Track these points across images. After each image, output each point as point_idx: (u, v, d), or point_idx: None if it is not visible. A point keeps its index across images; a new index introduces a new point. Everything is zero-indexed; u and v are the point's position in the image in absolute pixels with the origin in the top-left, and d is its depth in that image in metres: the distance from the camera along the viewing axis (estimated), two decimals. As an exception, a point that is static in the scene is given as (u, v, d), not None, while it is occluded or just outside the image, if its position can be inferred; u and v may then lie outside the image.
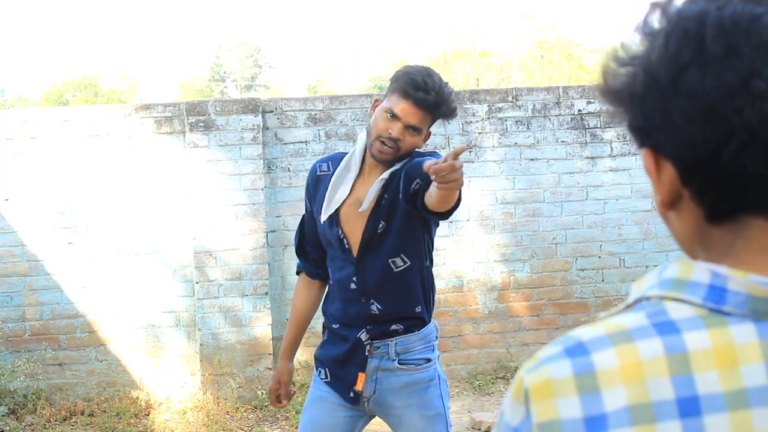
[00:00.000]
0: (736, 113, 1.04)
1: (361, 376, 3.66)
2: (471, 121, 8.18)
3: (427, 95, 3.44)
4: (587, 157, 8.32)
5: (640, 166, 8.34)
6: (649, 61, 1.10)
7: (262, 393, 7.75)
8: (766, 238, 1.10)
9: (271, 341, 7.88)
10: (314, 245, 3.83)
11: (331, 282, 3.78)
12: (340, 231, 3.63)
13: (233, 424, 7.32)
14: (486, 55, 47.37)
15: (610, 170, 8.34)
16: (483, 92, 8.27)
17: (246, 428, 7.28)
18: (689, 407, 1.03)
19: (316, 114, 8.05)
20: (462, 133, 8.15)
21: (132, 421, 7.43)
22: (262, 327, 7.84)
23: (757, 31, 1.04)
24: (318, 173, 3.74)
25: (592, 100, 8.30)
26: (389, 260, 3.63)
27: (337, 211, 3.62)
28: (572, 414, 1.05)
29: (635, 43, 1.14)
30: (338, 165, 3.66)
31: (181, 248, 7.87)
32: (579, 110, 8.29)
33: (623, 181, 8.35)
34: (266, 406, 7.63)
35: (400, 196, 3.47)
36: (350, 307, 3.67)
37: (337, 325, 3.73)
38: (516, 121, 8.23)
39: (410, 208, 3.48)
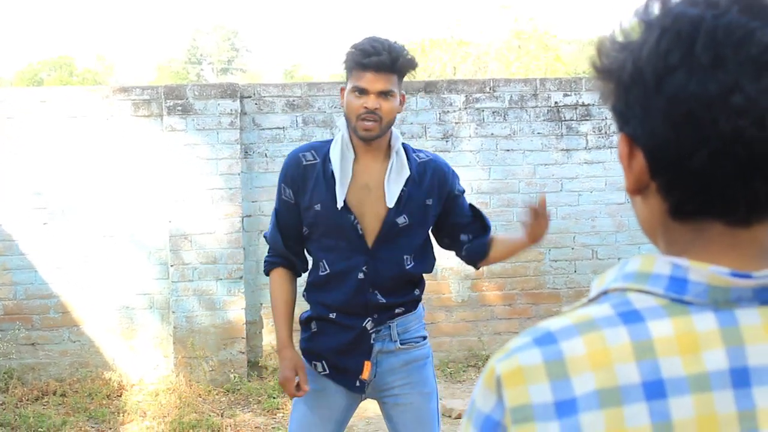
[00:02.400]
0: (712, 123, 1.07)
1: (367, 365, 3.67)
2: (448, 111, 8.22)
3: (380, 57, 3.47)
4: (562, 149, 8.38)
5: (614, 160, 8.40)
6: (640, 53, 1.13)
7: (234, 376, 7.79)
8: (724, 240, 1.14)
9: (245, 325, 7.92)
10: (296, 239, 3.76)
11: (323, 273, 3.69)
12: (352, 216, 3.60)
13: (205, 407, 7.34)
14: (463, 44, 47.37)
15: (585, 162, 8.41)
16: (461, 82, 8.32)
17: (218, 411, 7.30)
18: (655, 390, 1.08)
19: (294, 100, 8.07)
20: (439, 122, 8.19)
21: (104, 402, 7.44)
22: (236, 311, 7.86)
23: (747, 46, 1.07)
24: (304, 163, 3.66)
25: (568, 93, 8.35)
26: (404, 256, 3.68)
27: (346, 197, 3.60)
28: (543, 398, 1.09)
29: (633, 27, 1.16)
30: (323, 154, 3.64)
31: (157, 231, 7.88)
32: (555, 102, 8.34)
33: (598, 173, 8.42)
34: (238, 390, 7.67)
35: (445, 231, 3.82)
36: (354, 297, 3.64)
37: (335, 315, 3.68)
38: (493, 112, 8.28)
39: (444, 241, 3.86)
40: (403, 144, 3.70)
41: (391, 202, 3.60)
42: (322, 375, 3.74)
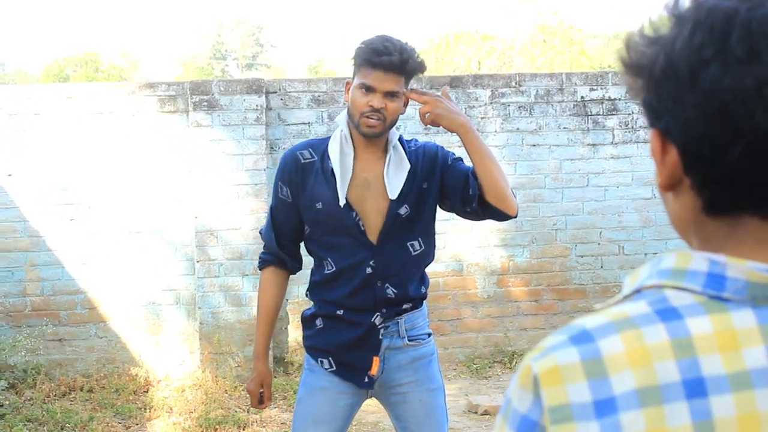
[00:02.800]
0: (747, 117, 1.06)
1: (376, 360, 3.66)
2: (474, 106, 8.19)
3: (392, 57, 3.46)
4: (589, 144, 8.34)
5: (641, 154, 8.37)
6: (673, 47, 1.11)
7: (260, 372, 7.78)
8: (760, 236, 1.12)
9: (271, 321, 7.90)
10: (290, 238, 3.74)
11: (330, 271, 3.67)
12: (354, 213, 3.59)
13: (231, 403, 7.35)
14: (488, 38, 47.28)
15: (612, 157, 8.36)
16: (486, 77, 8.29)
17: (244, 407, 7.30)
18: (695, 388, 1.06)
19: (319, 95, 8.06)
20: (465, 117, 8.15)
21: (131, 398, 7.46)
22: (261, 307, 7.85)
23: None
24: (302, 161, 3.64)
25: (595, 87, 8.31)
26: (408, 243, 3.67)
27: (347, 194, 3.60)
28: (582, 398, 1.08)
29: (662, 21, 1.15)
30: (321, 152, 3.64)
31: (183, 227, 7.89)
32: (582, 97, 8.30)
33: (624, 168, 8.37)
34: (264, 386, 7.66)
35: (456, 197, 3.64)
36: (362, 292, 3.63)
37: (342, 311, 3.67)
38: (519, 107, 8.24)
39: (464, 209, 3.66)
40: (400, 137, 3.72)
41: (393, 194, 3.59)
42: (328, 372, 3.72)
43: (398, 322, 3.69)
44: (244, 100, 7.80)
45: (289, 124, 8.03)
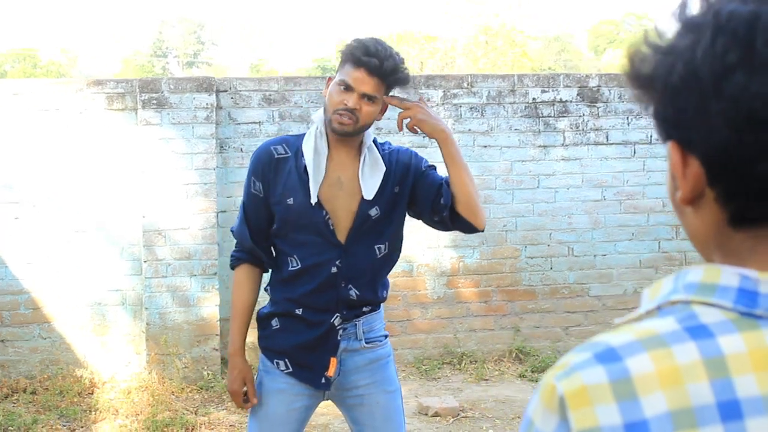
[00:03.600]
0: None
1: (333, 361, 3.61)
2: (425, 107, 8.15)
3: (379, 61, 3.42)
4: (540, 146, 8.35)
5: (591, 156, 8.39)
6: (692, 56, 1.07)
7: (208, 374, 7.70)
8: None
9: (219, 322, 7.82)
10: (264, 234, 3.68)
11: (294, 268, 3.62)
12: (324, 212, 3.55)
13: (178, 405, 7.25)
14: (431, 39, 47.44)
15: (562, 159, 8.38)
16: (438, 77, 8.26)
17: (192, 409, 7.21)
18: (730, 411, 1.02)
19: (270, 95, 7.98)
20: (416, 118, 8.12)
21: (75, 400, 7.33)
22: (209, 307, 7.77)
23: None
24: (276, 156, 3.60)
25: (546, 89, 8.31)
26: (375, 246, 3.64)
27: (319, 193, 3.55)
28: (612, 420, 1.03)
29: (670, 30, 1.12)
30: (295, 148, 3.60)
31: (130, 226, 7.77)
32: (533, 99, 8.31)
33: (575, 170, 8.39)
34: (211, 387, 7.58)
35: (426, 204, 3.64)
36: (325, 292, 3.58)
37: (302, 310, 3.62)
38: (470, 108, 8.23)
39: (433, 217, 3.67)
40: (374, 140, 3.67)
41: (369, 195, 3.55)
42: (285, 373, 3.66)
43: (356, 324, 3.66)
44: (194, 98, 7.70)
45: (239, 123, 7.94)
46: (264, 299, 3.80)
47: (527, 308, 8.41)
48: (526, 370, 8.01)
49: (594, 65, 74.61)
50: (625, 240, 8.49)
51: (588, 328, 8.50)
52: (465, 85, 8.22)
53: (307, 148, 3.55)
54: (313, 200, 3.52)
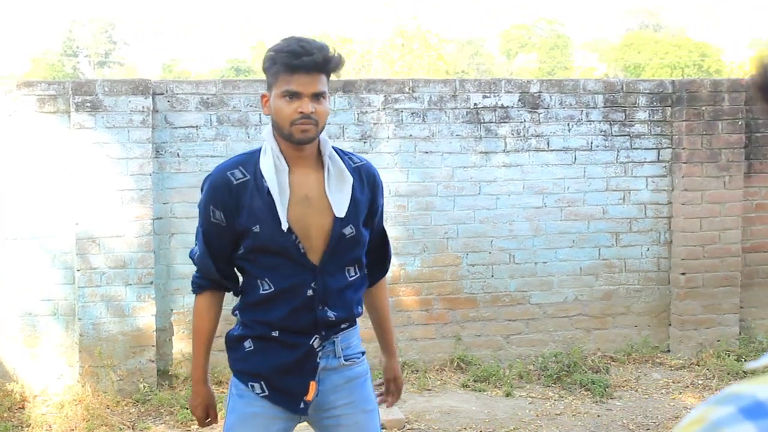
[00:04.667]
0: None
1: (313, 385, 3.44)
2: (366, 111, 8.02)
3: (313, 56, 3.24)
4: (481, 152, 8.26)
5: (533, 163, 8.33)
6: None
7: (144, 386, 7.46)
8: None
9: (155, 332, 7.59)
10: (226, 261, 3.51)
11: (267, 291, 3.44)
12: (294, 236, 3.36)
13: (114, 419, 7.01)
14: (346, 41, 47.34)
15: (504, 166, 8.30)
16: (379, 82, 8.12)
17: (129, 423, 6.98)
18: None
19: (208, 98, 7.77)
20: (357, 123, 7.99)
21: (5, 415, 7.04)
22: (145, 317, 7.53)
23: None
24: (235, 182, 3.38)
25: (488, 95, 8.23)
26: (346, 267, 3.49)
27: (288, 216, 3.36)
28: None
29: None
30: (252, 170, 3.39)
31: (63, 234, 7.50)
32: (475, 104, 8.21)
33: (516, 177, 8.32)
34: (148, 400, 7.35)
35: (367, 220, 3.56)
36: (302, 314, 3.41)
37: (278, 333, 3.44)
38: (412, 113, 8.11)
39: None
40: (333, 147, 3.49)
41: (341, 212, 3.38)
42: (260, 396, 3.49)
43: (334, 342, 3.50)
44: (130, 101, 7.46)
45: (176, 127, 7.71)
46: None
47: (468, 316, 8.31)
48: (469, 380, 7.91)
49: (506, 68, 75.27)
50: (565, 247, 8.44)
51: (529, 336, 8.44)
52: (406, 89, 8.10)
53: (267, 169, 3.35)
54: (284, 225, 3.33)
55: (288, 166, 3.38)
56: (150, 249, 7.53)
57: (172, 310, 7.81)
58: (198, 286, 3.58)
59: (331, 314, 3.44)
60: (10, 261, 7.45)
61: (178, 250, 7.76)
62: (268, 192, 3.34)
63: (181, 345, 7.82)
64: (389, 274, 7.70)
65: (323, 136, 3.42)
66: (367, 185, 3.51)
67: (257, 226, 3.36)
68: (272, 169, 3.34)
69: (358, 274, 3.54)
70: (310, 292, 3.41)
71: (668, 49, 68.54)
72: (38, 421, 6.97)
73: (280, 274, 3.40)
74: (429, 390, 7.73)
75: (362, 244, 3.51)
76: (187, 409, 7.08)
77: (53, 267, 7.53)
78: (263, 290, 3.44)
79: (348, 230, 3.42)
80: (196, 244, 3.55)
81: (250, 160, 3.43)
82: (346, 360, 3.53)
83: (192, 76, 56.85)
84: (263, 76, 3.46)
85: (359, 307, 3.59)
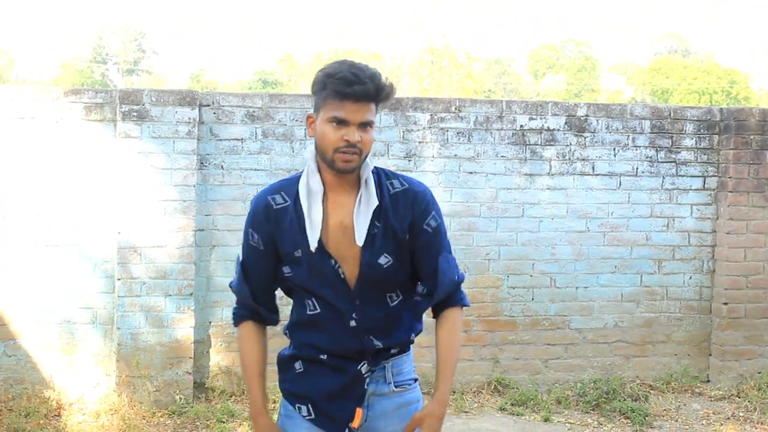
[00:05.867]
0: None
1: (359, 412, 3.35)
2: (412, 130, 7.98)
3: (364, 86, 3.14)
4: (526, 174, 8.20)
5: (577, 186, 8.26)
6: None
7: (180, 398, 7.42)
8: None
9: (193, 344, 7.55)
10: (264, 288, 3.45)
11: (313, 312, 3.36)
12: (333, 261, 3.28)
13: (150, 430, 6.96)
14: (376, 57, 47.42)
15: (548, 188, 8.23)
16: (426, 101, 8.07)
17: (164, 435, 6.93)
18: None
19: (254, 111, 7.74)
20: (402, 141, 7.95)
21: (42, 422, 7.00)
22: (184, 329, 7.49)
23: None
24: (275, 207, 3.33)
25: (534, 117, 8.17)
26: (387, 294, 3.38)
27: (322, 240, 3.28)
28: None
29: None
30: (293, 195, 3.32)
31: (104, 242, 7.48)
32: (521, 126, 8.16)
33: (560, 200, 8.25)
34: (184, 412, 7.30)
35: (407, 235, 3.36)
36: (349, 341, 3.34)
37: (326, 356, 3.37)
38: (457, 133, 8.05)
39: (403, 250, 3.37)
40: (377, 169, 3.38)
41: (360, 240, 3.27)
42: (306, 419, 3.42)
43: (385, 367, 3.40)
44: (176, 112, 7.43)
45: (221, 140, 7.69)
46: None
47: (507, 339, 8.24)
48: (506, 403, 7.83)
49: (533, 89, 75.21)
50: (607, 273, 8.36)
51: (567, 361, 8.35)
52: (453, 109, 8.05)
53: (303, 193, 3.29)
54: (313, 246, 3.25)
55: (325, 188, 3.31)
56: (191, 260, 7.50)
57: (210, 322, 7.76)
58: (238, 317, 3.50)
59: (377, 343, 3.35)
60: (51, 267, 7.42)
61: (219, 262, 7.72)
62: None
63: (218, 358, 7.77)
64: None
65: (367, 160, 3.33)
66: (406, 209, 3.36)
67: (298, 251, 3.29)
68: (305, 192, 3.28)
69: (401, 297, 3.41)
70: (353, 323, 3.32)
71: (697, 74, 68.34)
72: (74, 429, 6.93)
73: (323, 300, 3.33)
74: (466, 412, 7.65)
75: (404, 271, 3.38)
76: (224, 422, 7.06)
77: (94, 275, 7.51)
78: (310, 310, 3.37)
79: (383, 260, 3.31)
80: (235, 273, 3.50)
81: (292, 185, 3.35)
82: (396, 386, 3.43)
83: (220, 87, 57.05)
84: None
85: (410, 333, 3.46)
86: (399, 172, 3.44)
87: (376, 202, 3.28)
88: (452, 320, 3.43)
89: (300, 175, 3.36)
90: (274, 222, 3.33)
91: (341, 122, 3.17)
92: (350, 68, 3.19)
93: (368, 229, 3.28)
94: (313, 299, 3.35)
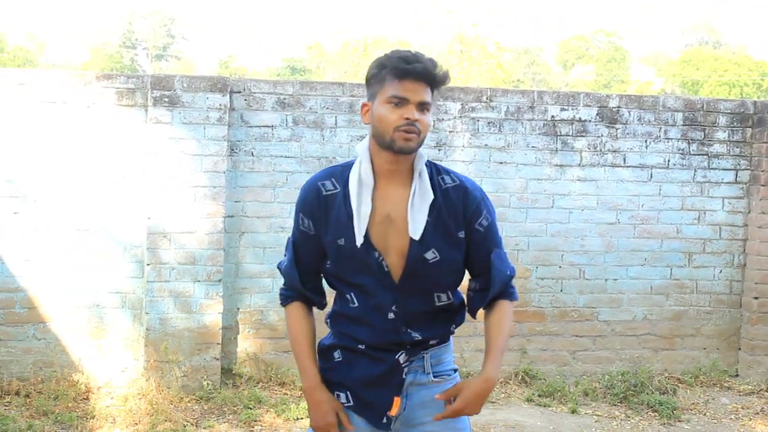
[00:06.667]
0: None
1: (397, 401, 3.36)
2: (443, 119, 7.96)
3: (424, 64, 3.15)
4: (556, 165, 8.16)
5: (608, 178, 8.22)
6: None
7: (207, 384, 7.44)
8: None
9: (221, 330, 7.57)
10: (313, 272, 3.45)
11: (353, 306, 3.37)
12: (377, 254, 3.28)
13: (178, 415, 6.97)
14: (404, 45, 47.34)
15: (578, 180, 8.20)
16: (457, 90, 8.04)
17: (192, 420, 6.94)
18: None
19: (285, 98, 7.74)
20: (433, 130, 7.92)
21: (70, 405, 7.04)
22: (212, 315, 7.51)
23: None
24: (324, 193, 3.32)
25: (566, 107, 8.13)
26: (435, 294, 3.37)
27: (368, 231, 3.27)
28: None
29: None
30: (342, 182, 3.31)
31: (134, 227, 7.50)
32: (552, 116, 8.12)
33: (590, 191, 8.21)
34: (211, 398, 7.32)
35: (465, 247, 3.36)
36: (386, 334, 3.34)
37: (364, 347, 3.38)
38: (488, 123, 8.03)
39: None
40: (429, 163, 3.36)
41: (416, 234, 3.25)
42: (346, 407, 3.42)
43: (423, 357, 3.40)
44: (207, 98, 7.44)
45: (251, 126, 7.69)
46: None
47: (535, 330, 8.22)
48: (533, 394, 7.81)
49: (562, 79, 74.89)
50: (637, 265, 8.32)
51: (595, 353, 8.33)
52: (484, 98, 8.02)
53: (353, 184, 3.28)
54: (359, 241, 3.25)
55: (375, 180, 3.29)
56: (220, 246, 7.51)
57: (238, 308, 7.78)
58: (285, 297, 3.51)
59: (416, 335, 3.35)
60: (81, 252, 7.45)
61: (248, 248, 7.74)
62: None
63: (246, 344, 7.79)
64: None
65: (421, 150, 3.32)
66: (457, 206, 3.34)
67: (342, 239, 3.28)
68: (356, 182, 3.27)
69: (451, 301, 3.41)
70: (392, 316, 3.32)
71: (727, 66, 67.85)
72: (103, 413, 6.96)
73: (363, 293, 3.33)
74: (493, 402, 7.63)
75: (452, 270, 3.36)
76: (251, 408, 7.08)
77: (123, 260, 7.53)
78: (351, 304, 3.37)
79: (430, 255, 3.28)
80: (285, 255, 3.50)
81: (342, 172, 3.35)
82: (435, 377, 3.43)
83: (248, 74, 57.11)
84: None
85: (451, 325, 3.47)
86: (449, 167, 3.43)
87: (432, 196, 3.28)
88: (503, 310, 3.45)
89: (352, 163, 3.36)
90: (324, 208, 3.32)
91: (401, 100, 3.16)
92: (407, 51, 3.20)
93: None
94: (353, 292, 3.36)
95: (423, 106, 3.19)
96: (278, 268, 3.53)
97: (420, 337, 3.36)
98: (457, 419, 3.46)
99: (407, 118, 3.16)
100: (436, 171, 3.37)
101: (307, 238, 3.38)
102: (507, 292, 3.46)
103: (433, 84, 3.22)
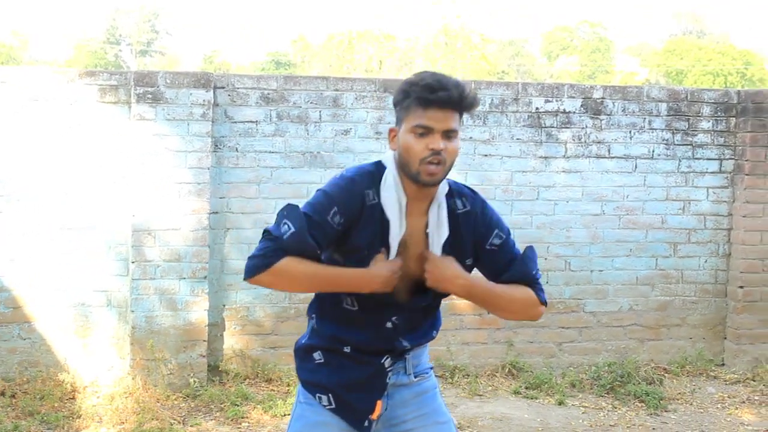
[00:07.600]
0: None
1: (379, 404, 3.39)
2: (427, 112, 7.94)
3: (448, 92, 3.10)
4: (541, 157, 8.16)
5: (593, 169, 8.23)
6: None
7: (194, 381, 7.42)
8: None
9: (207, 327, 7.55)
10: (313, 253, 3.20)
11: (352, 308, 3.36)
12: None
13: (165, 413, 6.95)
14: (390, 38, 47.32)
15: (563, 171, 8.20)
16: (441, 83, 8.02)
17: (179, 418, 6.92)
18: None
19: (269, 93, 7.72)
20: (417, 123, 7.90)
21: (57, 405, 7.01)
22: (198, 312, 7.49)
23: None
24: (368, 203, 3.25)
25: (550, 99, 8.13)
26: (432, 306, 3.46)
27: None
28: None
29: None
30: (378, 194, 3.25)
31: (119, 225, 7.47)
32: (536, 108, 8.12)
33: (575, 183, 8.22)
34: (198, 395, 7.30)
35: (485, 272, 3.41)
36: (379, 341, 3.37)
37: (350, 349, 3.38)
38: (472, 115, 8.01)
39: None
40: (449, 185, 3.34)
41: (438, 254, 3.32)
42: (326, 408, 3.42)
43: (405, 359, 3.45)
44: (191, 94, 7.41)
45: (235, 122, 7.67)
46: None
47: (521, 322, 8.21)
48: (520, 387, 7.82)
49: (546, 70, 74.94)
50: (622, 256, 8.33)
51: (582, 344, 8.34)
52: (468, 91, 8.00)
53: (389, 200, 3.25)
54: (392, 258, 3.28)
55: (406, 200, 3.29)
56: (205, 243, 7.49)
57: (224, 305, 7.76)
58: (270, 257, 3.17)
59: (406, 343, 3.40)
60: (66, 251, 7.42)
61: (233, 245, 7.72)
62: (388, 223, 3.25)
63: (232, 341, 7.78)
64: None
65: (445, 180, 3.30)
66: (466, 236, 3.36)
67: (369, 249, 3.26)
68: (395, 201, 3.25)
69: (436, 304, 3.49)
70: (389, 325, 3.35)
71: (711, 56, 68.03)
72: (89, 412, 6.94)
73: (367, 302, 3.32)
74: (480, 395, 7.64)
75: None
76: (238, 405, 7.06)
77: (108, 258, 7.50)
78: (346, 305, 3.35)
79: None
80: (285, 224, 3.18)
81: (377, 183, 3.28)
82: (416, 376, 3.49)
83: (233, 69, 56.99)
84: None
85: (434, 331, 3.54)
86: (462, 184, 3.42)
87: (447, 232, 3.29)
88: (524, 289, 3.40)
89: (382, 169, 3.31)
90: (363, 215, 3.26)
91: (427, 130, 3.13)
92: (433, 76, 3.17)
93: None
94: (354, 296, 3.33)
95: (449, 134, 3.16)
96: (268, 230, 3.22)
97: (409, 345, 3.41)
98: (439, 413, 3.53)
99: (432, 149, 3.13)
100: (448, 193, 3.34)
101: (328, 227, 3.22)
102: (535, 288, 3.44)
103: (460, 110, 3.20)
